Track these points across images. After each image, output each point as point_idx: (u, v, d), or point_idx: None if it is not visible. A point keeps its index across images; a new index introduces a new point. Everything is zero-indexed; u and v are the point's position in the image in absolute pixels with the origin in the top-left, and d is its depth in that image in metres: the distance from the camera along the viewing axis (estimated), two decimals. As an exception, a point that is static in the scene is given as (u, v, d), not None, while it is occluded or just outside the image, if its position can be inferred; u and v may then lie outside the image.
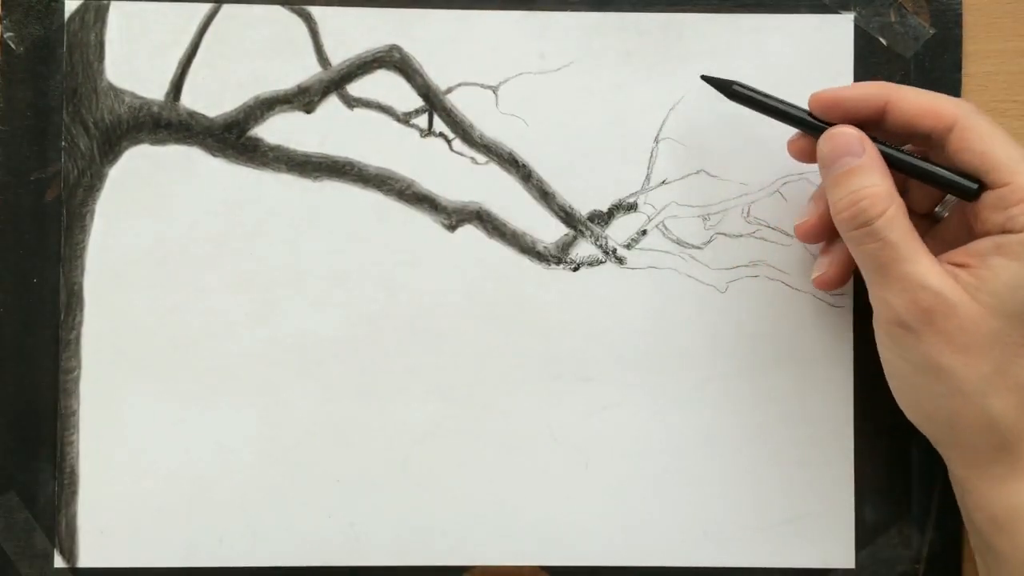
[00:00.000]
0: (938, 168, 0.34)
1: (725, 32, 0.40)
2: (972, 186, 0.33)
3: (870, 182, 0.33)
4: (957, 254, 0.33)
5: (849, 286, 0.39)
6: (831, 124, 0.35)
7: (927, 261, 0.32)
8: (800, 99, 0.39)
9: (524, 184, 0.40)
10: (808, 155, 0.36)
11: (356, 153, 0.40)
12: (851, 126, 0.34)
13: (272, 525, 0.39)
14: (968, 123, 0.33)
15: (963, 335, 0.32)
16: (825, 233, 0.37)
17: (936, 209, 0.38)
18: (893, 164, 0.34)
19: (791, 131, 0.37)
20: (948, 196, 0.36)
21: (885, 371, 0.35)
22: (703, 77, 0.37)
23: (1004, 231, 0.32)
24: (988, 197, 0.33)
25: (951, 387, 0.32)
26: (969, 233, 0.34)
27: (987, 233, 0.33)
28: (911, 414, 0.35)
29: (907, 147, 0.36)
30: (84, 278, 0.39)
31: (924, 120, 0.34)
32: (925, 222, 0.37)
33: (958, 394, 0.32)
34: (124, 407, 0.39)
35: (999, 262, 0.32)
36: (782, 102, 0.36)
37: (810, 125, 0.35)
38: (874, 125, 0.35)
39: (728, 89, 0.37)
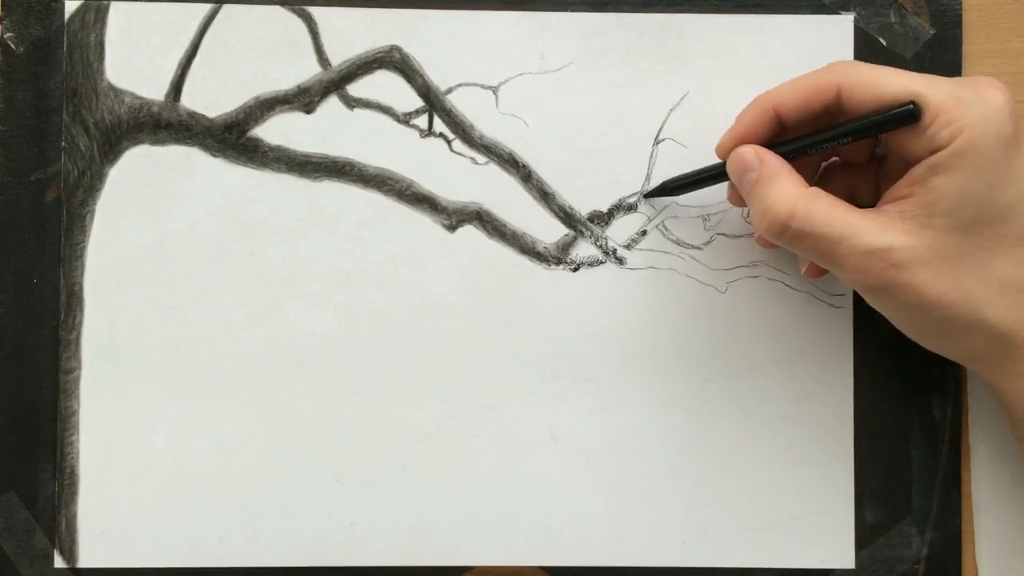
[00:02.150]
0: (865, 119, 0.34)
1: (725, 32, 0.40)
2: (908, 107, 0.33)
3: (771, 189, 0.34)
4: (898, 187, 0.33)
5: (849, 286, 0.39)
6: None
7: (864, 225, 0.33)
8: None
9: (524, 184, 0.40)
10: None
11: (356, 153, 0.40)
12: (745, 145, 0.35)
13: (272, 525, 0.39)
14: (849, 80, 0.34)
15: (931, 270, 0.32)
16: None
17: (877, 151, 0.38)
18: (822, 144, 0.35)
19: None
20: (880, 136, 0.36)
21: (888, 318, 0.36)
22: (646, 195, 0.39)
23: (932, 151, 0.32)
24: (902, 130, 0.33)
25: (944, 315, 0.33)
26: (907, 166, 0.34)
27: (919, 160, 0.33)
28: (925, 345, 0.36)
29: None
30: (84, 278, 0.39)
31: (814, 103, 0.34)
32: (875, 164, 0.37)
33: (953, 320, 0.33)
34: (124, 407, 0.39)
35: (939, 181, 0.32)
36: (703, 170, 0.37)
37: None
38: (779, 135, 0.36)
39: (666, 190, 0.39)
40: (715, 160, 0.37)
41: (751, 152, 0.35)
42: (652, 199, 0.39)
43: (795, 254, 0.38)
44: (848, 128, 0.34)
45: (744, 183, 0.35)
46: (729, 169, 0.36)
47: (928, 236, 0.32)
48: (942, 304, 0.33)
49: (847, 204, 0.34)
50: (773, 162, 0.34)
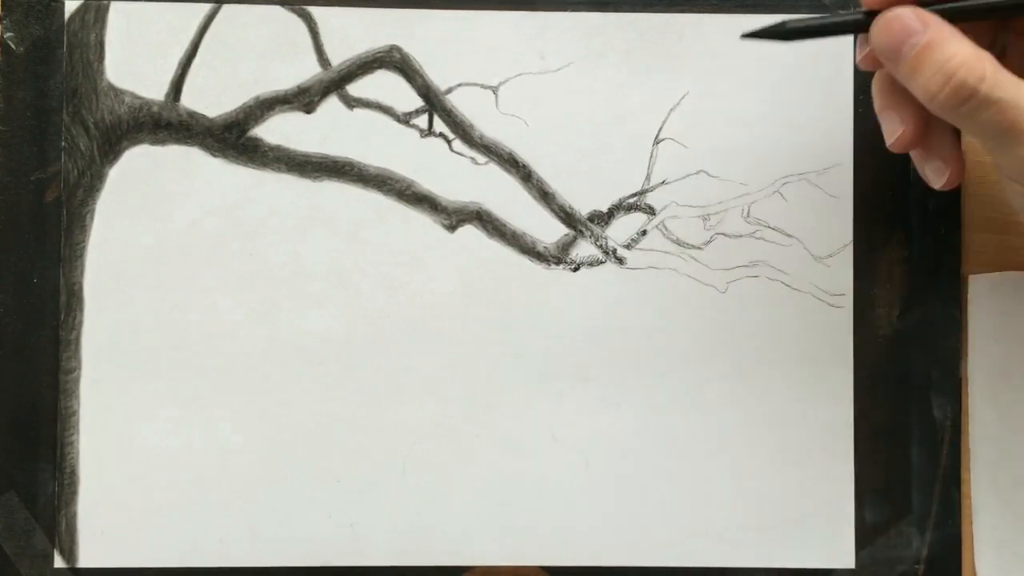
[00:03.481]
0: None
1: (725, 32, 0.40)
2: None
3: (951, 51, 0.30)
4: None
5: (849, 286, 0.39)
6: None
7: None
8: (798, 100, 0.40)
9: (524, 184, 0.40)
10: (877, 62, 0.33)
11: (356, 153, 0.40)
12: (902, 6, 0.31)
13: (272, 525, 0.39)
14: None
15: None
16: (921, 139, 0.34)
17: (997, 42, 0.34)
18: (972, 15, 0.31)
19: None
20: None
21: None
22: (744, 35, 0.34)
23: None
24: None
25: None
26: None
27: None
28: None
29: None
30: (84, 278, 0.39)
31: None
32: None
33: None
34: (124, 407, 0.39)
35: None
36: (837, 15, 0.33)
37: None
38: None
39: (781, 32, 0.33)
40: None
41: (911, 14, 0.30)
42: (762, 35, 0.34)
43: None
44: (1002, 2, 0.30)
45: (906, 49, 0.30)
46: (880, 34, 0.31)
47: None
48: None
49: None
50: (938, 22, 0.30)
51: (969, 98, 0.30)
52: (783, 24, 0.33)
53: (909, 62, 0.31)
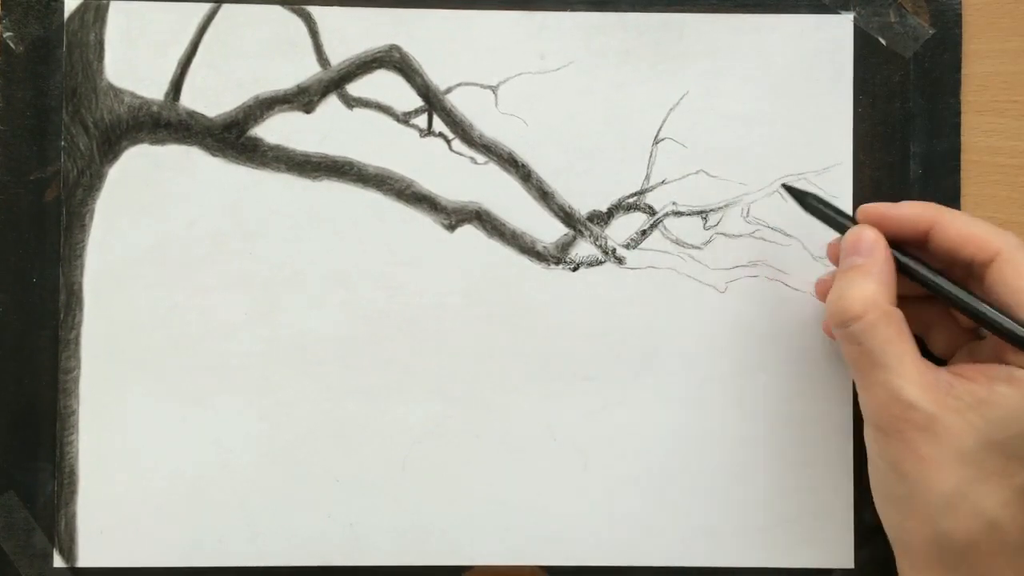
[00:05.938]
0: (996, 323, 0.32)
1: (725, 32, 0.40)
2: None
3: (858, 284, 0.33)
4: (969, 368, 0.33)
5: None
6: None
7: (909, 370, 0.32)
8: (798, 100, 0.40)
9: (524, 184, 0.40)
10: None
11: (356, 153, 0.40)
12: (872, 229, 0.34)
13: (272, 525, 0.39)
14: (1010, 256, 0.32)
15: (933, 448, 0.31)
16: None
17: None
18: (938, 293, 0.33)
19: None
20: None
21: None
22: (784, 186, 0.38)
23: (1022, 366, 0.32)
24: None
25: (909, 491, 0.32)
26: (997, 358, 0.33)
27: (1007, 363, 0.32)
28: (878, 506, 0.35)
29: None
30: (83, 278, 0.39)
31: (967, 248, 0.33)
32: (970, 334, 0.37)
33: (915, 500, 0.32)
34: (124, 407, 0.39)
35: (1005, 391, 0.31)
36: (841, 213, 0.36)
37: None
38: (919, 246, 0.34)
39: (803, 200, 0.37)
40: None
41: (870, 238, 0.34)
42: (792, 193, 0.37)
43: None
44: (973, 309, 0.33)
45: (845, 261, 0.34)
46: (845, 239, 0.34)
47: (957, 423, 0.31)
48: (917, 481, 0.32)
49: (913, 342, 0.32)
50: (880, 260, 0.33)
51: (842, 325, 0.33)
52: (806, 195, 0.37)
53: (839, 271, 0.34)
